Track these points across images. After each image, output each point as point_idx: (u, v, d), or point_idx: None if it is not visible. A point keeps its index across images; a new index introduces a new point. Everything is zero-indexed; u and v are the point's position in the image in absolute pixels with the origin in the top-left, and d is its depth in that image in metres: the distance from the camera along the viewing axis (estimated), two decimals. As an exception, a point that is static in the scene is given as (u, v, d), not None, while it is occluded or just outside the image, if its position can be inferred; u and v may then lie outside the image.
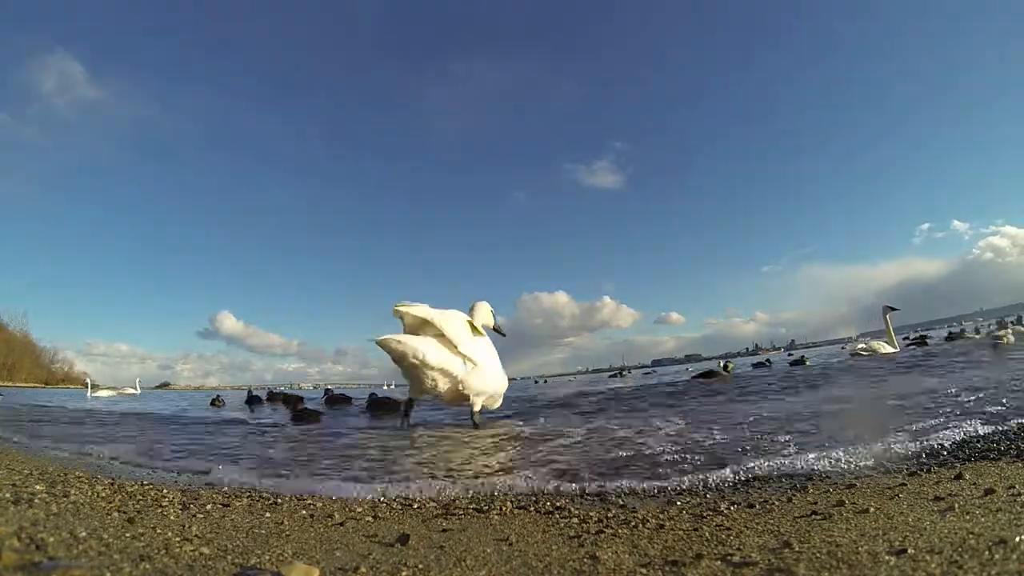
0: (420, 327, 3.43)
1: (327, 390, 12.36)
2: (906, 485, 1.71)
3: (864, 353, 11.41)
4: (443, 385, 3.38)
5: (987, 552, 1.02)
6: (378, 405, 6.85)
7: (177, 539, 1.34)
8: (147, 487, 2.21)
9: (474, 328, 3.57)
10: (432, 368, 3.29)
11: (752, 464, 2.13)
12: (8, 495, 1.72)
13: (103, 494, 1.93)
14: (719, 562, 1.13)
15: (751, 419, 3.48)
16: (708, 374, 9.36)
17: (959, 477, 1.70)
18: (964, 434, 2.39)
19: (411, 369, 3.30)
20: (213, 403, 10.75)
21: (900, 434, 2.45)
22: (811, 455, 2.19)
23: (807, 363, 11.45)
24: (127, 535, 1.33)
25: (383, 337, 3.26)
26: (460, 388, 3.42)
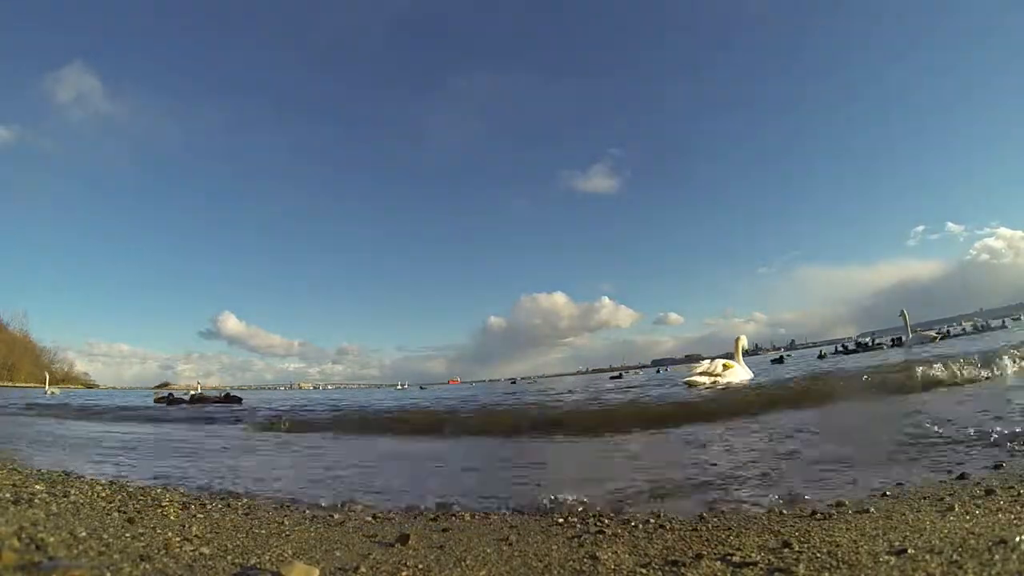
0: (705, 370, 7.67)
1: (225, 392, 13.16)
2: (905, 485, 1.71)
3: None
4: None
5: (987, 552, 1.03)
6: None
7: (177, 539, 1.34)
8: (147, 487, 2.21)
9: (727, 364, 7.54)
10: (706, 386, 7.30)
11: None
12: (8, 495, 1.72)
13: (103, 494, 1.93)
14: (719, 562, 1.14)
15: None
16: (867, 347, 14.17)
17: (960, 477, 1.70)
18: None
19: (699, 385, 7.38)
20: (159, 400, 11.47)
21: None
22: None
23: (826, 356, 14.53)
24: (127, 535, 1.33)
25: (689, 378, 7.37)
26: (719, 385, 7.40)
